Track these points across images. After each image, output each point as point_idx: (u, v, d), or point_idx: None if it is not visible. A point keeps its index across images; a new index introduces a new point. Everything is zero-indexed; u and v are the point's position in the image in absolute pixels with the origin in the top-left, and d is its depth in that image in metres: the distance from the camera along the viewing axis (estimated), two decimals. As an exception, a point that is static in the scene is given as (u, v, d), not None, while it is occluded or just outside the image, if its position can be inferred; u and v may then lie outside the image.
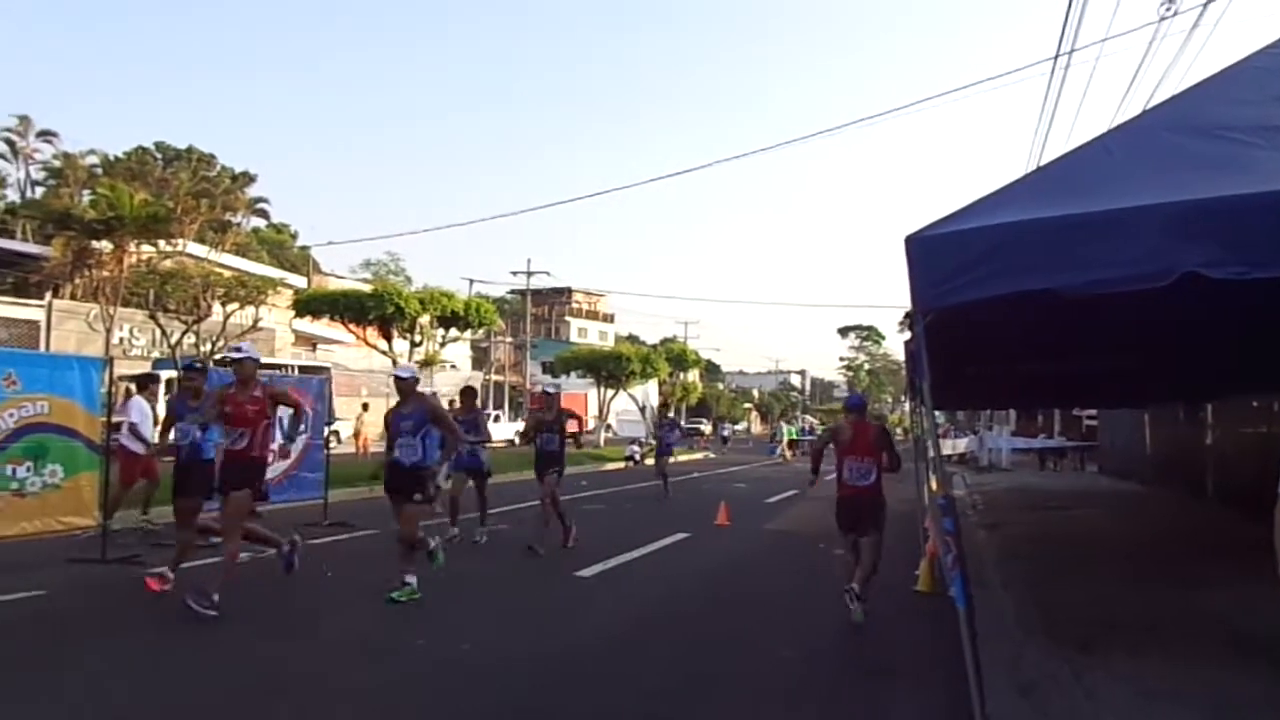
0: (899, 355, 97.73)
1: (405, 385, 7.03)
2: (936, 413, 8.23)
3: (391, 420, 7.08)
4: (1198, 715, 4.23)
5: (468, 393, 10.87)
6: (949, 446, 28.13)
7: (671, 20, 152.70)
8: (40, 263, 25.36)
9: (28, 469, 7.43)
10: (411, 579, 6.79)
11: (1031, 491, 18.23)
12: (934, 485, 9.85)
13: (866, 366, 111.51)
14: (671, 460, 18.81)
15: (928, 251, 3.71)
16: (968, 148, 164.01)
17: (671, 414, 20.18)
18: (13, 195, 48.55)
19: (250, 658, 5.21)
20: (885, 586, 8.12)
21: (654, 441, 28.36)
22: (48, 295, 24.94)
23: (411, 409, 6.96)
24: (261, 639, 5.69)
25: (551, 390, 10.37)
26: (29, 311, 24.21)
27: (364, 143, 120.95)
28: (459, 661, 5.25)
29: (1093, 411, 25.74)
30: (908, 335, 8.13)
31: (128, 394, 11.52)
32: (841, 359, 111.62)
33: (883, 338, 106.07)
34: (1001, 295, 3.55)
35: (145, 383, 10.87)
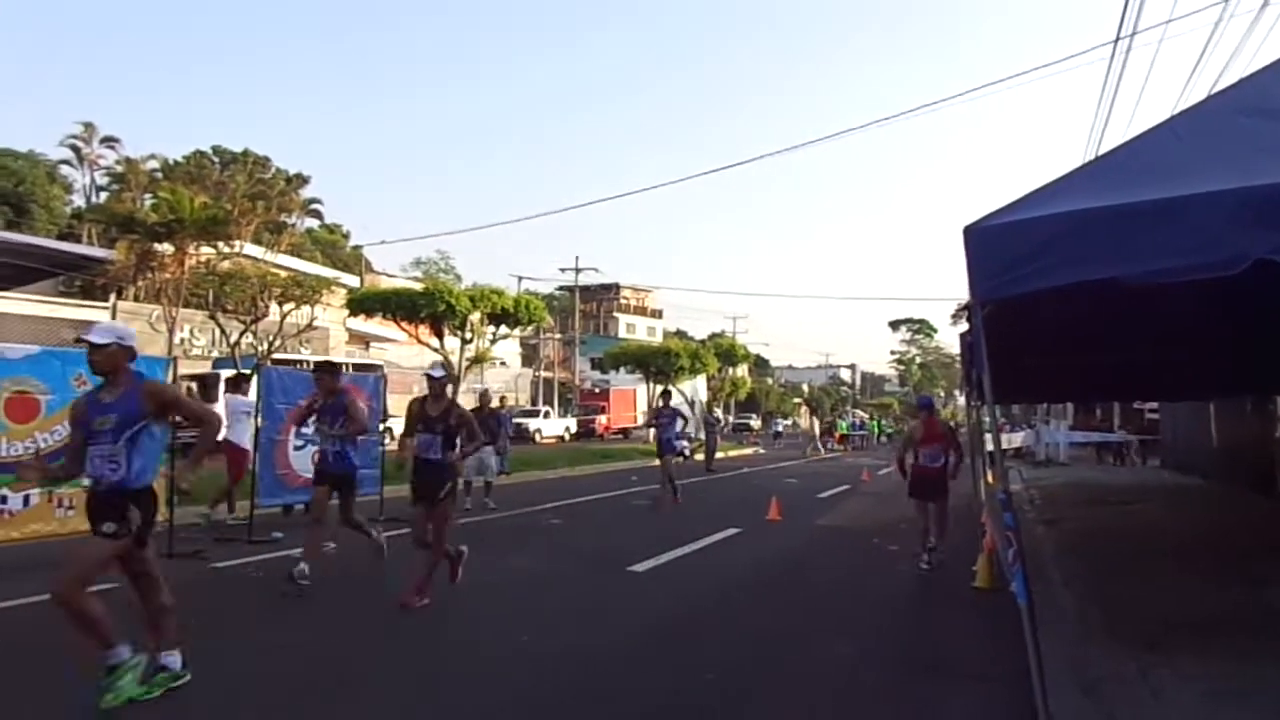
0: (951, 348, 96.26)
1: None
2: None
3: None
4: (1267, 717, 4.11)
5: (324, 369, 7.82)
6: (1004, 441, 27.65)
7: (714, 15, 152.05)
8: (105, 266, 26.14)
9: (98, 466, 7.66)
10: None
11: (1091, 486, 17.84)
12: (990, 479, 9.72)
13: (918, 360, 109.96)
14: (680, 460, 15.64)
15: (987, 242, 3.66)
16: (1023, 137, 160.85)
17: (675, 401, 16.17)
18: (78, 200, 50.28)
19: (309, 650, 5.32)
20: (942, 582, 8.05)
21: (702, 437, 28.41)
22: (112, 297, 25.72)
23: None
24: (322, 633, 5.81)
25: (437, 375, 6.77)
26: (95, 313, 24.98)
27: (413, 142, 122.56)
28: (519, 652, 5.32)
29: (1154, 404, 25.05)
30: (962, 328, 8.05)
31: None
32: (893, 352, 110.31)
33: (935, 331, 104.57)
34: (1062, 286, 3.49)
35: (239, 381, 11.39)
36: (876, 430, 51.73)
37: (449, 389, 7.09)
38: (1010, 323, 4.93)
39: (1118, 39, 10.98)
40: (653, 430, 15.32)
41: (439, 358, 17.09)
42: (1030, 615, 3.69)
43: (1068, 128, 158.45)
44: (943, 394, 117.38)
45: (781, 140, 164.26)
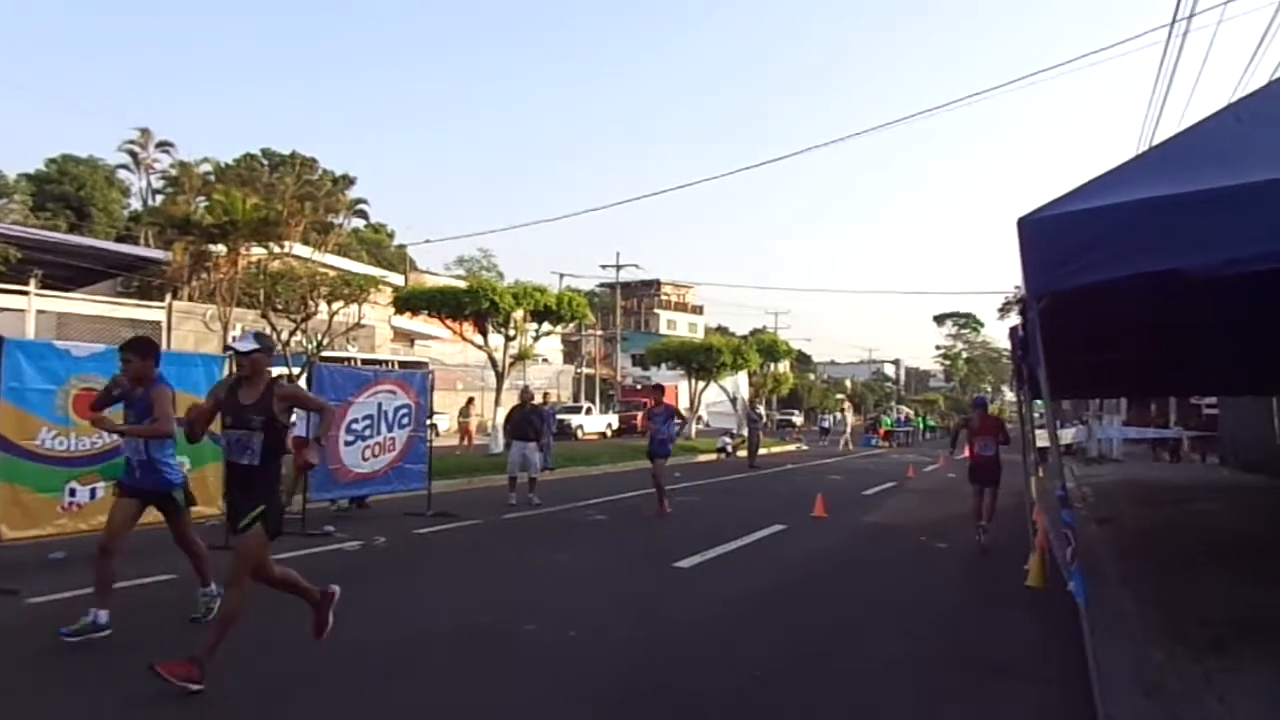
0: (998, 342, 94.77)
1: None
2: (1041, 402, 7.97)
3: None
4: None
5: (132, 348, 5.70)
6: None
7: (749, 8, 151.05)
8: (162, 266, 26.81)
9: (159, 460, 7.86)
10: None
11: (1147, 484, 17.43)
12: (1041, 476, 9.56)
13: (964, 355, 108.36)
14: (667, 462, 13.15)
15: (1042, 234, 3.58)
16: (1070, 127, 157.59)
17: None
18: (135, 204, 51.61)
19: (353, 642, 5.39)
20: (993, 580, 7.94)
21: (745, 433, 28.26)
22: (168, 297, 26.37)
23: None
24: (365, 622, 5.89)
25: (245, 348, 4.75)
26: (152, 313, 25.64)
27: (455, 142, 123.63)
28: (566, 645, 5.36)
29: (1212, 399, 24.38)
30: (1010, 321, 7.92)
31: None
32: (938, 347, 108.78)
33: (981, 325, 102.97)
34: (1123, 278, 3.41)
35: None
36: (922, 426, 51.14)
37: (273, 369, 5.19)
38: (1063, 316, 4.82)
39: (1174, 21, 10.69)
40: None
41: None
42: (1088, 615, 3.62)
43: (1120, 117, 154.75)
44: (990, 389, 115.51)
45: (821, 133, 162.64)
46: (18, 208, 43.23)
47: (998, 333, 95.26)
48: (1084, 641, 4.18)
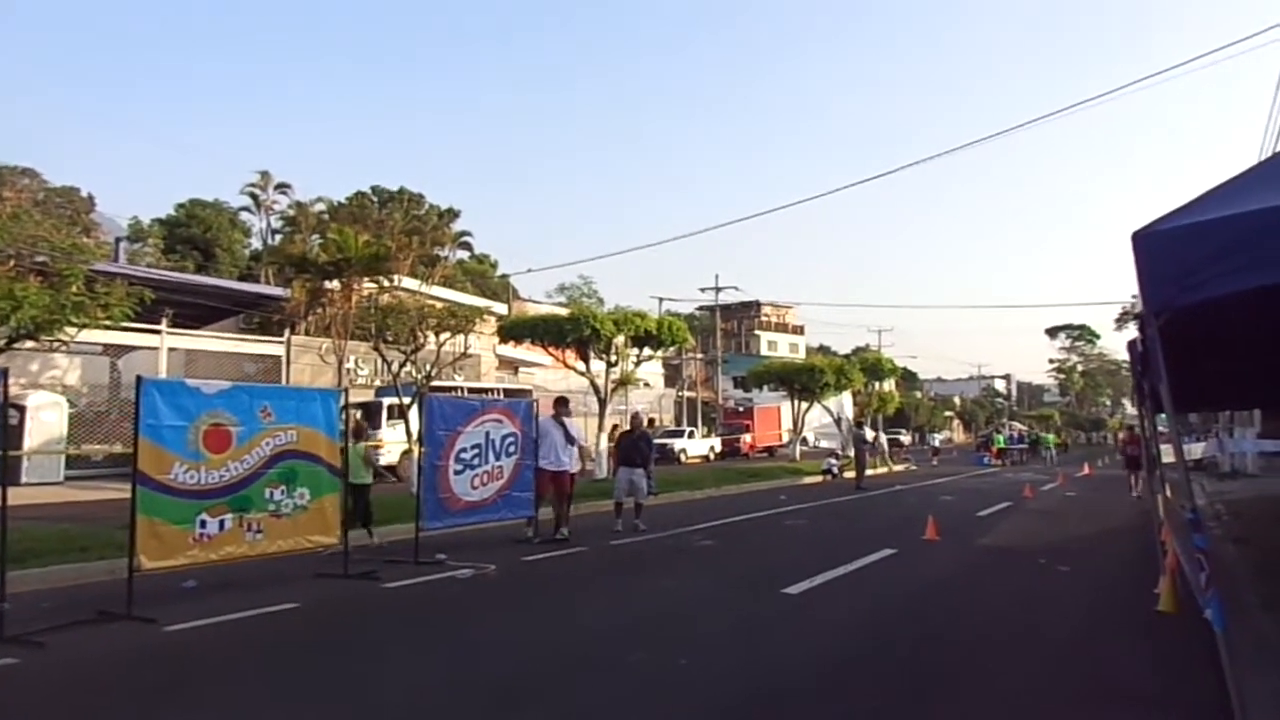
0: (1115, 354, 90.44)
1: None
2: (1163, 416, 7.60)
3: None
4: None
5: None
6: (1184, 452, 25.66)
7: (853, 25, 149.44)
8: (281, 303, 28.16)
9: (282, 492, 8.24)
10: None
11: (1287, 501, 16.31)
12: (1169, 494, 9.07)
13: (1080, 368, 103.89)
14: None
15: (1160, 248, 3.45)
16: (1188, 134, 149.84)
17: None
18: (256, 243, 54.55)
19: (472, 670, 5.51)
20: (1122, 604, 7.57)
21: (850, 454, 27.62)
22: (286, 332, 27.66)
23: None
24: (481, 648, 6.02)
25: None
26: (272, 348, 26.98)
27: (555, 171, 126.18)
28: (677, 674, 5.35)
29: (1360, 409, 22.64)
30: (1128, 333, 7.57)
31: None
32: (1051, 361, 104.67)
33: (1097, 336, 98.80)
34: (1251, 289, 3.24)
35: (559, 404, 12.49)
36: (1051, 444, 44.52)
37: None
38: (1186, 328, 4.60)
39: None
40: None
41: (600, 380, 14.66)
42: (1228, 643, 3.43)
43: (1235, 126, 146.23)
44: (1109, 402, 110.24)
45: (919, 149, 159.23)
46: (151, 251, 46.19)
47: (1114, 344, 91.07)
48: (1223, 671, 3.95)
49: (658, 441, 26.07)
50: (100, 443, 22.03)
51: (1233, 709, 3.90)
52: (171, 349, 24.15)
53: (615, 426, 22.91)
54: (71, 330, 11.44)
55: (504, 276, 56.68)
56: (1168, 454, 10.45)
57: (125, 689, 5.14)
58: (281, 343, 27.10)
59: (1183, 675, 5.23)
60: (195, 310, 27.13)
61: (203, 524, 7.61)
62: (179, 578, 7.91)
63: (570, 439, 12.09)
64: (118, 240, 35.40)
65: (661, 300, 48.41)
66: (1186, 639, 5.80)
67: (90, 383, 24.91)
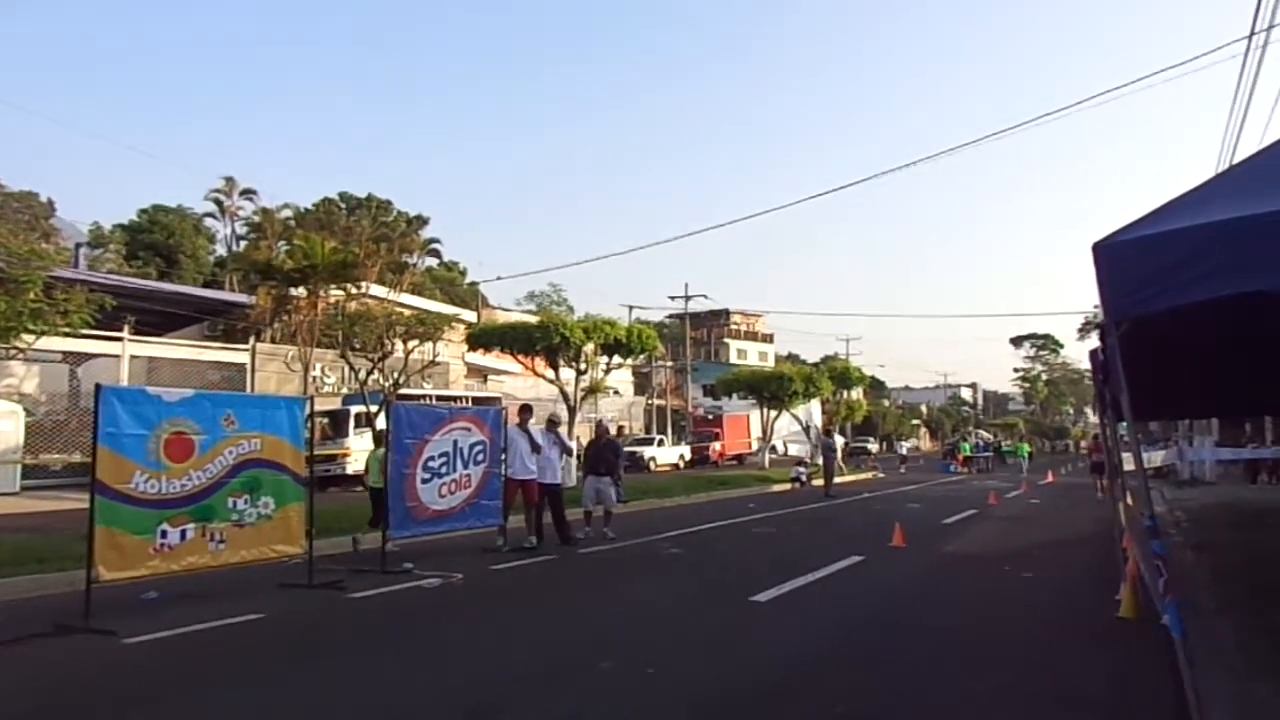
0: (1079, 363, 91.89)
1: None
2: (1124, 425, 7.74)
3: None
4: None
5: None
6: (1144, 460, 26.10)
7: (818, 33, 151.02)
8: (246, 310, 27.81)
9: (245, 501, 8.11)
10: None
11: (1244, 507, 16.65)
12: (1130, 501, 9.21)
13: (1044, 376, 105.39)
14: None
15: (1120, 258, 3.51)
16: (1141, 147, 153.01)
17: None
18: (221, 250, 53.86)
19: (439, 680, 5.46)
20: (1084, 611, 7.66)
21: (819, 462, 27.78)
22: (252, 340, 27.32)
23: None
24: (448, 659, 5.97)
25: None
26: (237, 355, 26.64)
27: (523, 179, 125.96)
28: (644, 682, 5.33)
29: (1314, 418, 23.21)
30: (1090, 343, 7.69)
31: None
32: (1016, 370, 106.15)
33: (1060, 346, 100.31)
34: (1210, 300, 3.31)
35: (524, 412, 12.41)
36: (1025, 454, 45.01)
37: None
38: (1146, 338, 4.68)
39: (1252, 33, 10.36)
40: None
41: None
42: (1186, 649, 3.48)
43: (1192, 137, 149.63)
44: (1071, 411, 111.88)
45: (889, 159, 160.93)
46: (112, 257, 45.40)
47: (1078, 353, 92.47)
48: (1181, 675, 4.01)
49: (627, 449, 26.12)
50: (59, 452, 21.61)
51: (1190, 713, 3.96)
52: (133, 356, 23.76)
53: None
54: (29, 337, 11.22)
55: (473, 284, 56.49)
56: (1129, 462, 10.61)
57: (82, 704, 5.03)
58: (246, 350, 26.78)
59: (1142, 680, 5.29)
60: (158, 317, 26.73)
61: (164, 534, 7.47)
62: (140, 589, 7.73)
63: (556, 448, 12.45)
64: (78, 246, 34.75)
65: (631, 308, 48.57)
66: (1146, 644, 5.88)
67: (49, 391, 24.44)
